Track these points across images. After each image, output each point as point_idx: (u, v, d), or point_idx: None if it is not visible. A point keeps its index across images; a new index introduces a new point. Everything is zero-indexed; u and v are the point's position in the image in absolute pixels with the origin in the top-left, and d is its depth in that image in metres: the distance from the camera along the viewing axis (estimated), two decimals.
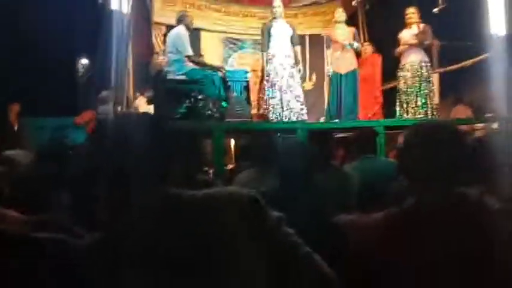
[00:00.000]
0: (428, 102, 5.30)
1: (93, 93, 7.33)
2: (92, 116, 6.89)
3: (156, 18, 7.77)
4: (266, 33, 5.31)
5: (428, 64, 5.42)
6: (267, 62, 5.26)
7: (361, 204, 2.38)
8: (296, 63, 5.35)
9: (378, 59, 6.24)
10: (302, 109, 5.23)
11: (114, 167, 0.88)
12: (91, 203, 1.04)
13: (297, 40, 5.47)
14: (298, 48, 5.46)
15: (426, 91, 5.30)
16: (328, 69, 5.72)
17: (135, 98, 6.65)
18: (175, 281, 0.84)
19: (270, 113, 5.13)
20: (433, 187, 1.23)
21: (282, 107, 5.10)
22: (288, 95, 5.13)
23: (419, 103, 5.28)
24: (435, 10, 6.01)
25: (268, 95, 5.18)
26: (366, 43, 6.65)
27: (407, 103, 5.34)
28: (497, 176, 1.77)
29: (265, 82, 5.28)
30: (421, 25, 5.39)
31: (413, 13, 5.39)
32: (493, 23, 5.48)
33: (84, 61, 15.77)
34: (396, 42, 5.56)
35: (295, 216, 1.68)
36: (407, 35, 5.44)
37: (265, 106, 5.26)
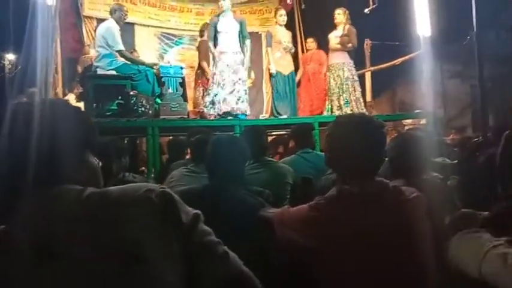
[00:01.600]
0: (353, 99, 5.53)
1: (21, 91, 6.87)
2: None
3: (87, 11, 7.41)
4: (212, 28, 5.16)
5: (350, 64, 5.63)
6: (213, 59, 5.15)
7: (294, 197, 2.40)
8: (244, 56, 5.24)
9: (323, 55, 6.34)
10: (242, 105, 5.18)
11: (15, 159, 0.82)
12: None
13: (246, 34, 5.32)
14: (248, 42, 5.30)
15: (350, 89, 5.53)
16: (270, 68, 5.74)
17: (65, 95, 6.28)
18: (81, 282, 0.78)
19: (211, 109, 5.04)
20: (353, 177, 1.25)
21: (223, 104, 5.01)
22: (230, 92, 5.05)
23: (342, 101, 5.51)
24: (366, 10, 6.24)
25: (211, 92, 5.07)
26: (309, 39, 6.72)
27: (333, 101, 5.59)
28: (417, 168, 1.85)
29: (210, 79, 5.19)
30: (346, 27, 5.54)
31: (339, 14, 5.55)
32: (420, 24, 5.79)
33: (11, 57, 14.80)
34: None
35: (226, 211, 1.66)
36: (332, 37, 5.61)
37: (205, 103, 5.16)
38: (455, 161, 2.58)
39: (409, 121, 6.44)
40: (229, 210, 1.70)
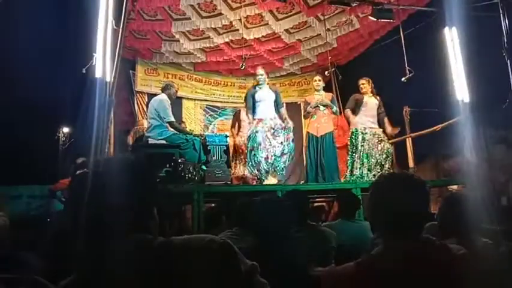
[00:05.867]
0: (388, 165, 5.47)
1: (72, 161, 7.33)
2: (67, 183, 6.83)
3: (139, 87, 8.06)
4: (250, 98, 5.44)
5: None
6: (254, 127, 5.29)
7: (337, 261, 2.40)
8: (283, 120, 5.43)
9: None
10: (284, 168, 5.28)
11: (96, 207, 0.92)
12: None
13: (281, 103, 5.61)
14: (283, 109, 5.58)
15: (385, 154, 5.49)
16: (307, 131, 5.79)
17: None
18: None
19: (258, 174, 5.14)
20: (398, 235, 1.29)
21: (268, 168, 5.14)
22: (272, 155, 5.17)
23: (379, 165, 5.43)
24: (403, 79, 6.37)
25: (255, 157, 5.16)
26: None
27: (366, 164, 5.47)
28: (468, 228, 1.85)
29: (250, 145, 5.25)
30: (378, 97, 5.72)
31: (363, 84, 5.69)
32: (458, 90, 5.83)
33: (66, 129, 15.89)
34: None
35: (274, 271, 1.71)
36: (372, 104, 5.64)
37: (252, 168, 5.23)
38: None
39: (454, 187, 6.26)
40: (277, 270, 1.75)
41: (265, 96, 5.42)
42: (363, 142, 5.47)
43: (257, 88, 5.48)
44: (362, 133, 5.51)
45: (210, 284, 0.89)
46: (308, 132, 5.72)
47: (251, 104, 5.43)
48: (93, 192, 0.95)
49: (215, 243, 0.94)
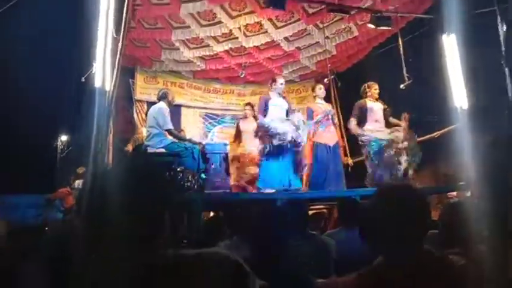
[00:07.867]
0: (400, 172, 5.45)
1: (70, 170, 7.34)
2: (66, 192, 6.83)
3: (138, 95, 8.07)
4: (263, 104, 5.36)
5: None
6: (265, 132, 5.17)
7: (337, 271, 2.39)
8: (297, 128, 5.30)
9: None
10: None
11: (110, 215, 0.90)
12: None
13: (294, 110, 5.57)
14: (299, 114, 5.46)
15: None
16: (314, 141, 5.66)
17: None
18: None
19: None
20: (399, 246, 1.28)
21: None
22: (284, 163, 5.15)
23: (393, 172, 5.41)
24: (402, 86, 6.39)
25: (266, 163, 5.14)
26: None
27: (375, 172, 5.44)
28: (471, 237, 1.83)
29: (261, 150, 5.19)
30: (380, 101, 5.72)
31: (377, 89, 5.72)
32: (457, 96, 5.83)
33: (64, 138, 15.89)
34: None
35: (273, 281, 1.70)
36: (378, 110, 5.64)
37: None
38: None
39: (454, 194, 6.25)
40: (277, 281, 1.74)
41: (278, 103, 5.37)
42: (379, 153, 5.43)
43: (270, 95, 5.41)
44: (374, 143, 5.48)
45: None
46: (318, 142, 5.62)
47: (262, 109, 5.35)
48: (101, 204, 0.91)
49: (227, 261, 0.92)
